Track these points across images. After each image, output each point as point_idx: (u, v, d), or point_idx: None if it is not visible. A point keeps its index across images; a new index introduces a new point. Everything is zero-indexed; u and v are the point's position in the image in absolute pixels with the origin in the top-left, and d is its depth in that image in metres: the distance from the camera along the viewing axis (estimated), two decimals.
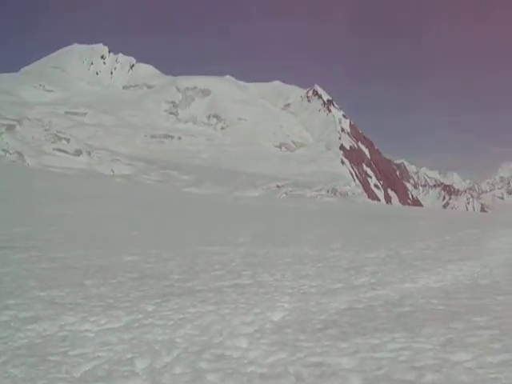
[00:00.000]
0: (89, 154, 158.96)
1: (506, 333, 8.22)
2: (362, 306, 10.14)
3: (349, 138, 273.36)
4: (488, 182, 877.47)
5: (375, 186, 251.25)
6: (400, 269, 14.85)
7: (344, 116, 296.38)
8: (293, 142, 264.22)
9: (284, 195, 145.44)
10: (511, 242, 24.21)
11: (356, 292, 11.43)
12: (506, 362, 6.86)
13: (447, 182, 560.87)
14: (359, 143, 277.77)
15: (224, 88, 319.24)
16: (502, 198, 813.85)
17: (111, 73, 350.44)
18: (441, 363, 6.78)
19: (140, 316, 8.85)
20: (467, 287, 12.55)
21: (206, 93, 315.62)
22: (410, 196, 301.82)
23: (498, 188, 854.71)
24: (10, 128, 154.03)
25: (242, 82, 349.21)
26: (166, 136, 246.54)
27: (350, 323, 8.75)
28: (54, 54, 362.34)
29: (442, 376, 6.34)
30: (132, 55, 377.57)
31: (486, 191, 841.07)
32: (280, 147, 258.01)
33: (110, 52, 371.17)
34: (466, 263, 16.48)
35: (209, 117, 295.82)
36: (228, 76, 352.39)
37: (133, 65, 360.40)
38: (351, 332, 8.20)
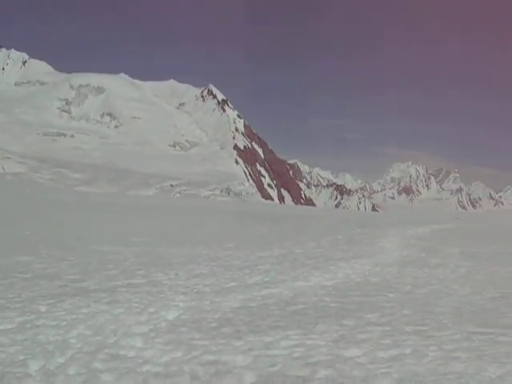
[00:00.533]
0: None
1: (396, 329, 8.45)
2: (256, 304, 10.18)
3: (243, 137, 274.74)
4: (379, 183, 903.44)
5: (269, 185, 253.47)
6: (293, 267, 15.05)
7: (238, 116, 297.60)
8: (187, 142, 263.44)
9: (178, 195, 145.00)
10: (401, 241, 25.02)
11: (250, 290, 11.47)
12: (397, 357, 7.04)
13: (339, 182, 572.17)
14: (253, 143, 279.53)
15: (118, 86, 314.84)
16: (392, 198, 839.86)
17: (3, 69, 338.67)
18: (333, 359, 6.88)
19: (32, 317, 8.56)
20: (358, 285, 12.85)
21: (99, 91, 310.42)
22: (303, 195, 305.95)
23: (389, 188, 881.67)
24: None
25: (136, 81, 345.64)
26: (59, 134, 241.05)
27: (244, 321, 8.76)
28: None
29: (334, 372, 6.42)
30: (25, 51, 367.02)
31: (378, 191, 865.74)
32: (174, 146, 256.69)
33: (1, 47, 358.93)
34: (357, 261, 16.88)
35: (102, 115, 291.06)
36: (122, 74, 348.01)
37: (25, 61, 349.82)
38: (245, 330, 8.21)
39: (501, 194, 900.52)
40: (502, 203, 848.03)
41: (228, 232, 27.55)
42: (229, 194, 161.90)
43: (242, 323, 8.65)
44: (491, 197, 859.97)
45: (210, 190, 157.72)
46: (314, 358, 6.90)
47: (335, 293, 11.58)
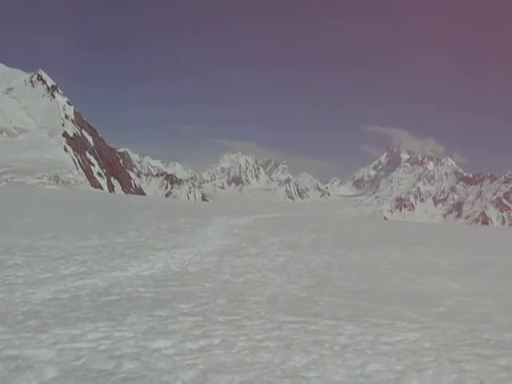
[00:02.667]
0: None
1: (208, 319, 8.41)
2: (68, 295, 9.81)
3: (73, 125, 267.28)
4: (209, 173, 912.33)
5: (98, 174, 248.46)
6: (111, 257, 14.71)
7: (68, 103, 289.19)
8: (14, 128, 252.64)
9: (4, 182, 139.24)
10: (223, 230, 25.22)
11: (64, 282, 11.05)
12: (205, 347, 6.98)
13: (170, 172, 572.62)
14: (83, 131, 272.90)
15: None
16: (222, 188, 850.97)
17: None
18: (140, 351, 6.72)
19: None
20: (177, 275, 12.75)
21: None
22: (133, 184, 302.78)
23: (219, 178, 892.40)
24: None
25: None
26: None
27: (52, 314, 8.40)
28: None
29: (140, 364, 6.26)
30: None
31: (208, 181, 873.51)
32: (1, 133, 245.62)
33: None
34: (177, 251, 16.79)
35: None
36: None
37: None
38: (52, 323, 7.86)
39: (327, 185, 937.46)
40: (329, 194, 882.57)
41: (50, 221, 26.52)
42: (57, 182, 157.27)
43: (51, 316, 8.29)
44: (318, 188, 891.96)
45: (38, 178, 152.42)
46: (120, 351, 6.71)
47: (151, 283, 11.41)
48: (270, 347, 7.10)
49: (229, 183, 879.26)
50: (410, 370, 6.41)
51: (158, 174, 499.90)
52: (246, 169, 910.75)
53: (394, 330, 8.22)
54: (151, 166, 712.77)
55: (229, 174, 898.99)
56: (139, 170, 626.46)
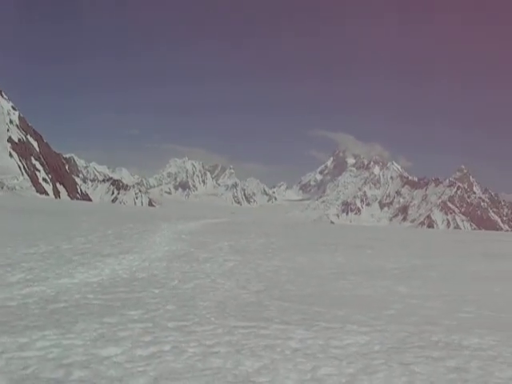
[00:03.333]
0: None
1: (157, 325, 8.36)
2: (15, 303, 9.63)
3: (17, 130, 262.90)
4: (156, 178, 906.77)
5: (44, 179, 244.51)
6: (58, 264, 14.48)
7: (13, 108, 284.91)
8: None
9: None
10: (171, 236, 25.09)
11: (10, 289, 10.85)
12: (155, 354, 6.93)
13: (116, 177, 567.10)
14: (28, 136, 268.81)
15: None
16: (169, 193, 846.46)
17: None
18: (90, 359, 6.63)
19: None
20: (125, 281, 12.64)
21: None
22: (79, 190, 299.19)
23: (166, 183, 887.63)
24: None
25: None
26: None
27: None
28: None
29: (90, 372, 6.18)
30: None
31: (154, 186, 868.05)
32: None
33: None
34: (125, 257, 16.65)
35: None
36: None
37: None
38: (0, 331, 7.71)
39: (274, 189, 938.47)
40: (276, 198, 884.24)
41: None
42: (2, 188, 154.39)
43: None
44: (265, 192, 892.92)
45: None
46: (69, 359, 6.61)
47: (100, 290, 11.29)
48: (220, 352, 7.09)
49: (176, 188, 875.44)
50: (361, 373, 6.47)
51: (104, 180, 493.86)
52: (193, 174, 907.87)
53: (344, 334, 8.29)
54: (97, 172, 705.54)
55: (175, 179, 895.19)
56: (85, 175, 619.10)
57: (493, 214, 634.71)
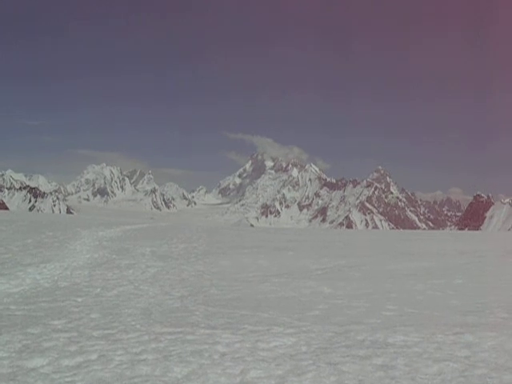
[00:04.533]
0: None
1: (82, 334, 8.28)
2: None
3: None
4: (74, 184, 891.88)
5: None
6: None
7: None
8: None
9: None
10: (92, 243, 24.74)
11: None
12: (82, 363, 6.88)
13: (33, 185, 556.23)
14: None
15: None
16: (87, 200, 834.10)
17: None
18: (16, 371, 6.54)
19: None
20: (47, 290, 12.45)
21: None
22: None
23: (84, 190, 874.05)
24: None
25: None
26: None
27: None
28: None
29: None
30: None
31: (72, 193, 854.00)
32: None
33: None
34: (46, 266, 16.35)
35: None
36: None
37: None
38: None
39: (193, 194, 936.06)
40: (195, 203, 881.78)
41: None
42: None
43: None
44: (184, 197, 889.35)
45: None
46: None
47: (22, 300, 11.11)
48: (148, 360, 7.08)
49: (94, 195, 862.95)
50: (290, 375, 6.55)
51: (20, 188, 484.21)
52: (111, 180, 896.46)
53: (270, 336, 8.36)
54: (14, 180, 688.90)
55: (94, 185, 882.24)
56: (1, 183, 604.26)
57: (410, 213, 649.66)
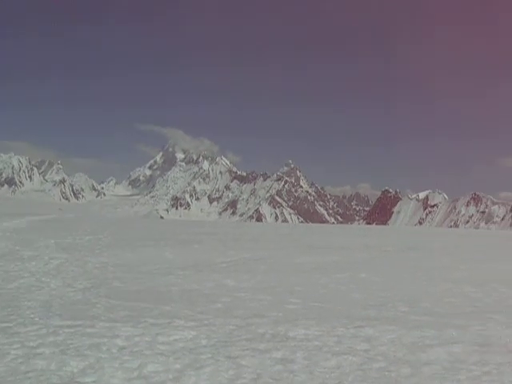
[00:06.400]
0: None
1: None
2: None
3: None
4: None
5: None
6: None
7: None
8: None
9: None
10: None
11: None
12: None
13: None
14: None
15: None
16: None
17: None
18: None
19: None
20: None
21: None
22: None
23: None
24: None
25: None
26: None
27: None
28: None
29: None
30: None
31: None
32: None
33: None
34: None
35: None
36: None
37: None
38: None
39: (103, 185, 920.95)
40: (105, 194, 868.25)
41: None
42: None
43: None
44: (94, 188, 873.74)
45: None
46: None
47: None
48: (45, 354, 6.93)
49: (1, 185, 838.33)
50: (188, 369, 6.53)
51: None
52: (19, 170, 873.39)
53: (171, 329, 8.33)
54: None
55: (1, 175, 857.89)
56: None
57: (319, 207, 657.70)
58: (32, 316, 8.99)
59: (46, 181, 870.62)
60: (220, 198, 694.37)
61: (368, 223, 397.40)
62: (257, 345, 7.62)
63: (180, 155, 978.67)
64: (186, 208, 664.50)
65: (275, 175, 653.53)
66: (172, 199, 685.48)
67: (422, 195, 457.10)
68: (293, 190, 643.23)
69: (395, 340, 8.15)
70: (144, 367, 6.53)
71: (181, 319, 9.03)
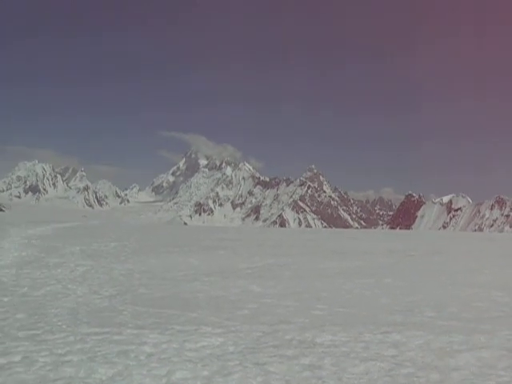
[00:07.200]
0: None
1: (7, 335, 8.10)
2: None
3: None
4: (5, 182, 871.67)
5: None
6: None
7: None
8: None
9: None
10: (21, 241, 24.28)
11: None
12: (4, 365, 6.73)
13: None
14: None
15: None
16: (19, 197, 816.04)
17: None
18: None
19: None
20: None
21: None
22: None
23: (15, 187, 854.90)
24: None
25: None
26: None
27: None
28: None
29: None
30: None
31: (3, 190, 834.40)
32: None
33: None
34: None
35: None
36: None
37: None
38: None
39: (126, 191, 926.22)
40: (128, 201, 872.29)
41: None
42: None
43: None
44: (117, 194, 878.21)
45: None
46: None
47: None
48: (73, 361, 6.95)
49: (25, 192, 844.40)
50: (216, 375, 6.51)
51: None
52: (43, 177, 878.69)
53: (198, 336, 8.32)
54: None
55: (25, 182, 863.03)
56: None
57: (343, 212, 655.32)
58: (59, 323, 9.02)
59: (70, 188, 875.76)
60: (243, 203, 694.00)
61: (392, 228, 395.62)
62: (284, 351, 7.60)
63: (203, 161, 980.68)
64: (209, 214, 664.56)
65: (298, 180, 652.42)
66: (195, 205, 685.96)
67: (445, 199, 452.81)
68: (316, 194, 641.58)
69: (423, 345, 8.09)
70: (172, 374, 6.52)
71: (208, 326, 9.02)
